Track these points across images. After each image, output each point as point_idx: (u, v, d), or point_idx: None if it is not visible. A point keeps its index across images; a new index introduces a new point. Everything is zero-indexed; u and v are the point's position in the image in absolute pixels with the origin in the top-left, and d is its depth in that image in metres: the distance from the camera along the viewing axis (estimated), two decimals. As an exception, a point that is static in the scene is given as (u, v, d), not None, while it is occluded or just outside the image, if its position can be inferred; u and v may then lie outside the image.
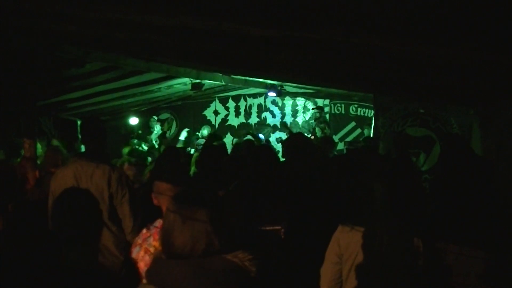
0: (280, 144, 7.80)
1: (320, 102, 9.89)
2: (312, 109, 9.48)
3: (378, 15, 2.11)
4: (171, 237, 1.41)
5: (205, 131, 9.09)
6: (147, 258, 2.21)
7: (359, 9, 2.07)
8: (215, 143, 5.46)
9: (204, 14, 2.44)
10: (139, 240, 2.34)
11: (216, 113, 10.99)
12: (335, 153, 7.10)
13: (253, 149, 4.16)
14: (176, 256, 1.40)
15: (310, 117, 9.85)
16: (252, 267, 1.41)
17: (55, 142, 6.03)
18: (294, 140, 3.58)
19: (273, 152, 3.49)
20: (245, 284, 1.40)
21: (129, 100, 8.91)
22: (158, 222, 2.27)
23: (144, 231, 2.36)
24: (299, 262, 2.65)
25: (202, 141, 8.21)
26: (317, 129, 8.32)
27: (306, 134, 8.11)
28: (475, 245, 2.07)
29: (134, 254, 2.31)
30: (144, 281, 1.46)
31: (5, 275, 2.00)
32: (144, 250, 2.27)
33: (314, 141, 7.70)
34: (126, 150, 6.40)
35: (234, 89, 10.03)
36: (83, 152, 3.28)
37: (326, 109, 9.73)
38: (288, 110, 10.38)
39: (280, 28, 2.48)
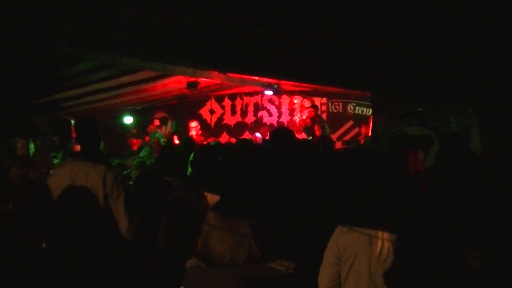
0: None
1: (317, 100, 9.86)
2: (308, 108, 9.46)
3: (376, 14, 2.09)
4: (209, 246, 1.44)
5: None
6: None
7: (357, 9, 2.05)
8: (211, 143, 5.42)
9: (201, 14, 2.42)
10: None
11: (211, 111, 10.94)
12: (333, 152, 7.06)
13: (249, 148, 4.10)
14: (216, 265, 1.43)
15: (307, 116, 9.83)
16: (297, 274, 1.49)
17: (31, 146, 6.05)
18: (279, 135, 3.47)
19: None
20: None
21: (124, 98, 8.87)
22: None
23: None
24: (296, 262, 2.61)
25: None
26: (316, 128, 8.26)
27: (304, 133, 8.10)
28: (475, 245, 2.06)
29: None
30: None
31: (5, 275, 1.99)
32: None
33: (313, 140, 7.67)
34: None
35: (230, 88, 9.99)
36: (79, 151, 3.30)
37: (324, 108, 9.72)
38: (285, 108, 10.36)
39: (278, 28, 2.45)
